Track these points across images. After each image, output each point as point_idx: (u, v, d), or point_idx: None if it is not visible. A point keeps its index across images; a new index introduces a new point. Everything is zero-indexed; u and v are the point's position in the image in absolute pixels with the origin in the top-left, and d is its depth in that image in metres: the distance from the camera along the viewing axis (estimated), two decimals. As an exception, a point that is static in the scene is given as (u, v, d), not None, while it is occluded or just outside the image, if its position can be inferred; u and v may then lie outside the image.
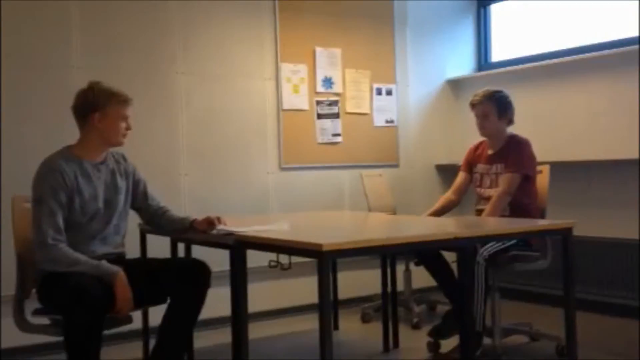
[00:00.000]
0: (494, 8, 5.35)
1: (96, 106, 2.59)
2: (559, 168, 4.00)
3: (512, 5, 5.19)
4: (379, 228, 3.13)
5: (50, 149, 3.53)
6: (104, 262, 2.49)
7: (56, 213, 2.47)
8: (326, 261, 2.14)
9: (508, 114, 3.51)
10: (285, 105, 4.53)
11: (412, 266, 4.29)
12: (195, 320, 2.61)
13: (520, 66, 4.84)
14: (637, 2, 4.19)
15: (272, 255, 2.78)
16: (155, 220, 2.87)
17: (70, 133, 2.97)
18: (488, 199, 3.45)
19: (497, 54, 5.32)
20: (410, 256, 4.11)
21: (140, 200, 2.82)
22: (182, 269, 2.62)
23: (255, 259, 2.74)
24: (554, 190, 3.54)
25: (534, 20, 5.01)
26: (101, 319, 2.36)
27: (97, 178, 2.62)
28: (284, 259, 2.79)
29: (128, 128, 2.66)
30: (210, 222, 2.70)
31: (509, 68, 4.96)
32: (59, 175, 2.50)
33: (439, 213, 3.64)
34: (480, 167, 3.57)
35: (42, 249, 2.45)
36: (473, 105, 3.55)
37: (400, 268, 3.97)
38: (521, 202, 3.37)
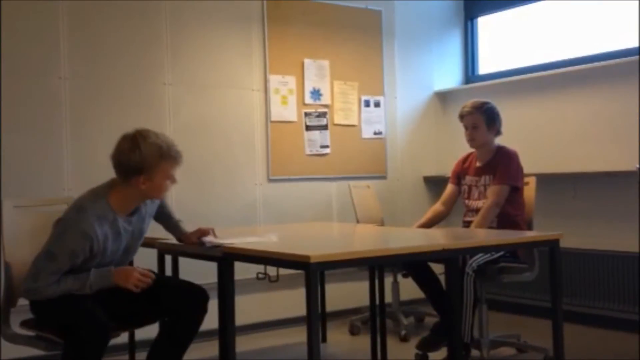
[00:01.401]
0: (480, 21, 5.39)
1: (142, 169, 2.32)
2: (545, 180, 4.03)
3: (499, 18, 5.23)
4: (367, 239, 3.12)
5: (37, 158, 3.51)
6: (91, 274, 2.36)
7: (61, 271, 2.32)
8: (314, 273, 2.13)
9: (496, 125, 3.52)
10: (274, 117, 4.53)
11: (400, 278, 4.29)
12: (188, 344, 2.56)
13: (507, 78, 4.88)
14: (623, 16, 4.24)
15: (259, 267, 2.77)
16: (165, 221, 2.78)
17: (58, 144, 2.96)
18: (476, 210, 3.46)
19: (484, 66, 5.36)
20: (398, 268, 4.11)
21: (159, 215, 2.71)
22: (183, 292, 2.55)
23: (243, 271, 2.73)
24: (540, 201, 3.56)
25: (520, 33, 5.06)
26: (107, 341, 2.32)
27: (125, 232, 2.45)
28: (271, 270, 2.77)
29: (173, 182, 2.43)
30: (203, 233, 2.64)
31: (496, 80, 5.00)
32: (87, 244, 2.30)
33: (428, 225, 3.64)
34: (469, 179, 3.58)
35: (31, 294, 2.35)
36: (462, 117, 3.56)
37: (388, 280, 3.96)
38: (509, 214, 3.38)
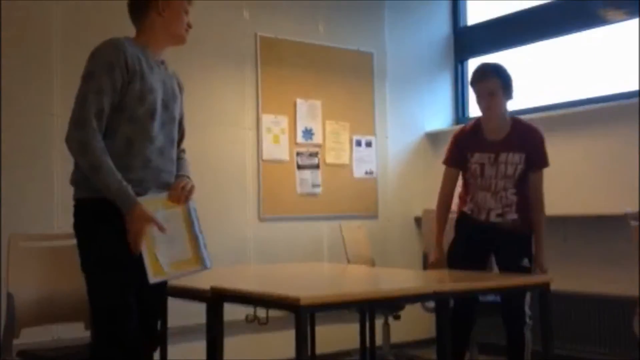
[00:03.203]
0: (471, 63, 5.47)
1: None
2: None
3: (489, 60, 5.29)
4: (358, 281, 3.10)
5: (28, 195, 3.48)
6: (127, 187, 2.11)
7: (105, 92, 2.12)
8: (304, 315, 2.11)
9: (511, 91, 3.12)
10: (266, 156, 4.54)
11: (391, 320, 4.25)
12: None
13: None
14: (613, 61, 4.31)
15: (249, 309, 2.74)
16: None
17: (49, 181, 2.92)
18: (492, 190, 3.11)
19: (475, 108, 5.41)
20: (389, 310, 4.07)
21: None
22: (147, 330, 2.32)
23: (232, 312, 2.69)
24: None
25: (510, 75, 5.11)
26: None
27: (157, 73, 2.29)
28: (261, 312, 2.74)
29: (190, 25, 2.37)
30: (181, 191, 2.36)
31: (486, 122, 5.03)
32: (121, 54, 2.16)
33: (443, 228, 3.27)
34: (480, 156, 3.11)
35: (79, 127, 2.09)
36: (475, 82, 3.12)
37: (378, 321, 3.93)
38: (526, 198, 3.14)
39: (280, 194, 4.58)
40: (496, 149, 3.09)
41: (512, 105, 4.99)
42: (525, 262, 3.11)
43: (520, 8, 4.95)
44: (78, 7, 3.90)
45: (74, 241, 2.83)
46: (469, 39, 5.39)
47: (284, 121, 4.63)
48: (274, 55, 4.61)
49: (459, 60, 5.48)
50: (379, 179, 5.04)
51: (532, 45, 4.90)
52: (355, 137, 4.95)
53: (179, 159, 2.46)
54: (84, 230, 2.19)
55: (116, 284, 2.14)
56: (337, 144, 4.86)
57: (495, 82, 3.06)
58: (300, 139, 4.69)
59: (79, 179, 2.20)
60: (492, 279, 2.91)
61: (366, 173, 4.99)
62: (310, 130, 4.74)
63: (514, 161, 3.08)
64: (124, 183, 2.12)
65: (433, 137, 5.36)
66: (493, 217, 3.14)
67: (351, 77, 4.96)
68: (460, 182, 3.29)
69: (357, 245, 4.37)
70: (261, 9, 4.58)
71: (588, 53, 4.56)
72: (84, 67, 2.20)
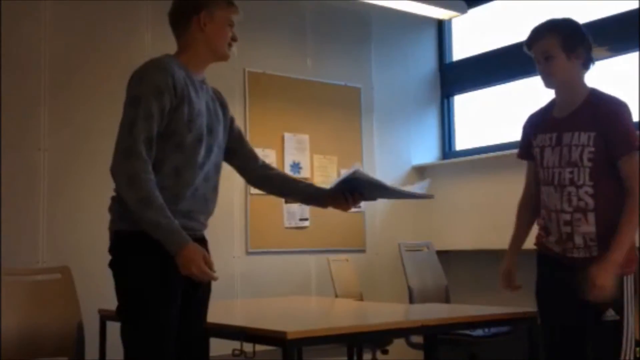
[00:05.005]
0: (457, 99, 5.54)
1: (202, 5, 2.17)
2: (527, 255, 4.03)
3: (474, 96, 5.38)
4: (346, 315, 3.09)
5: (13, 229, 3.45)
6: (178, 225, 2.01)
7: (153, 118, 2.00)
8: (291, 350, 2.09)
9: (581, 51, 2.36)
10: (253, 190, 4.54)
11: (379, 355, 4.21)
12: None
13: (484, 155, 4.97)
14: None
15: (235, 344, 2.71)
16: (261, 172, 2.47)
17: (35, 216, 2.88)
18: (555, 184, 2.39)
19: (461, 142, 5.47)
20: (377, 344, 4.03)
21: (235, 140, 2.36)
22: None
23: (219, 347, 2.66)
24: (522, 277, 3.54)
25: (496, 111, 5.19)
26: None
27: (201, 95, 2.17)
28: (248, 347, 2.71)
29: (234, 39, 2.22)
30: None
31: (473, 157, 5.09)
32: (168, 76, 2.04)
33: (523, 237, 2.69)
34: (541, 139, 2.43)
35: (127, 157, 1.99)
36: (529, 46, 2.42)
37: (366, 357, 3.89)
38: (611, 197, 2.31)
39: (268, 227, 4.57)
40: (560, 127, 2.37)
41: (500, 138, 5.00)
42: (610, 313, 2.32)
43: (506, 44, 5.04)
44: (67, 42, 3.93)
45: (58, 276, 2.82)
46: (455, 75, 5.47)
47: (271, 155, 4.65)
48: (262, 90, 4.65)
49: (445, 95, 5.55)
50: (367, 213, 5.05)
51: (519, 82, 4.97)
52: (342, 171, 4.97)
53: (281, 174, 2.54)
54: (123, 268, 2.07)
55: (156, 334, 2.02)
56: (325, 177, 4.88)
57: (550, 42, 2.34)
58: (288, 172, 4.70)
59: (121, 210, 2.07)
60: (480, 312, 2.89)
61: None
62: (298, 164, 4.76)
63: (579, 142, 2.30)
64: (176, 222, 2.00)
65: (420, 171, 5.39)
66: (562, 225, 2.39)
67: (339, 111, 5.01)
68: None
69: (345, 278, 4.35)
70: (249, 44, 4.63)
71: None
72: (128, 90, 2.08)
